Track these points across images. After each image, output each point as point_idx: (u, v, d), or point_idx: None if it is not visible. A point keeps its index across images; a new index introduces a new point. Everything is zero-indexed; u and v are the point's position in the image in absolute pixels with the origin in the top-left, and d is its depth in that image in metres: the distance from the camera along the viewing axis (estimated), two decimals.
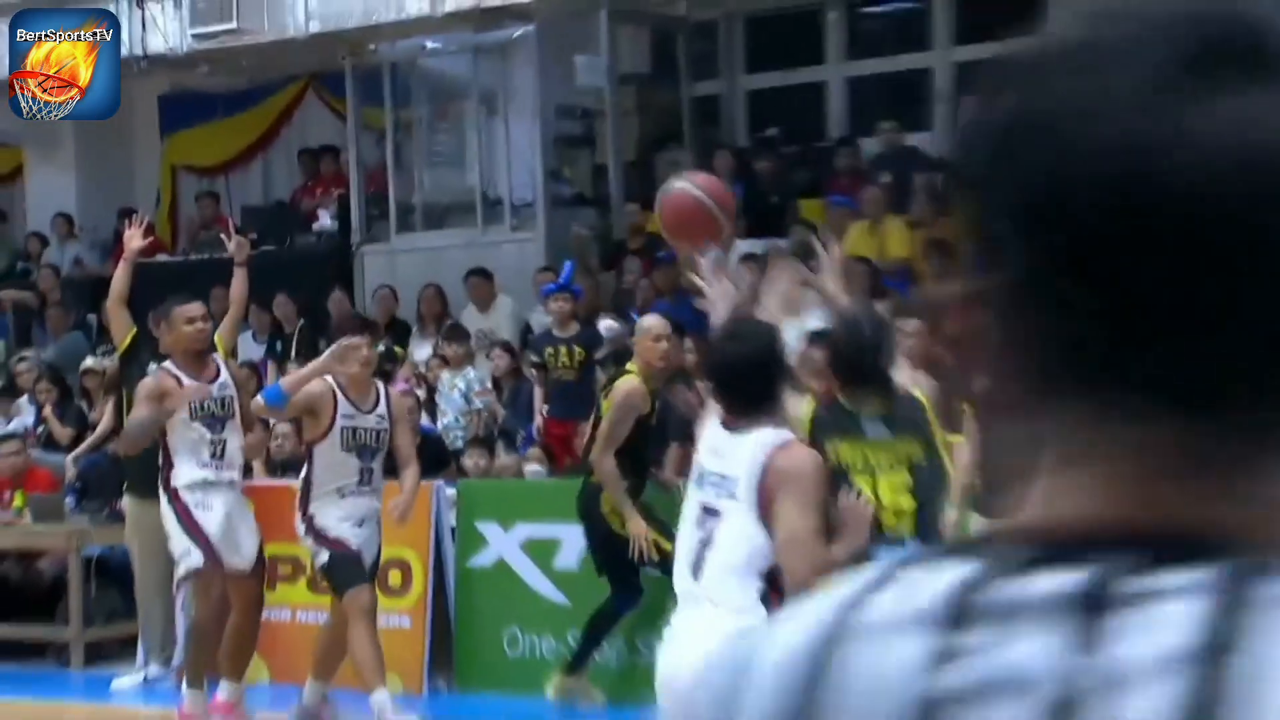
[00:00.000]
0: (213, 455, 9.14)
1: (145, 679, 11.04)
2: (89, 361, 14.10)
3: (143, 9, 15.16)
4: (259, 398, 9.25)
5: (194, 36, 15.16)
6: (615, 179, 15.34)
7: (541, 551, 10.49)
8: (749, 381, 5.42)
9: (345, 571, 8.87)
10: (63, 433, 13.59)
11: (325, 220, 16.27)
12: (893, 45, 15.97)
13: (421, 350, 13.65)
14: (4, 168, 19.00)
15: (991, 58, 1.05)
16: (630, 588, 9.42)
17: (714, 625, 5.22)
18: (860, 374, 6.16)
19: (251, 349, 14.08)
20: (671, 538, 8.72)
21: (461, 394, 12.62)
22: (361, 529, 8.97)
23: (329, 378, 8.96)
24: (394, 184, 15.93)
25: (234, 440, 9.34)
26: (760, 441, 5.30)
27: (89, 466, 12.97)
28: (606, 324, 12.91)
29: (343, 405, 8.88)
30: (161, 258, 15.81)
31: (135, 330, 10.60)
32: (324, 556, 8.94)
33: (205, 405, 9.10)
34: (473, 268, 14.21)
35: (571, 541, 10.24)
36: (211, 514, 9.05)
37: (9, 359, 15.81)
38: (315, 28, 14.83)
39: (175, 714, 9.38)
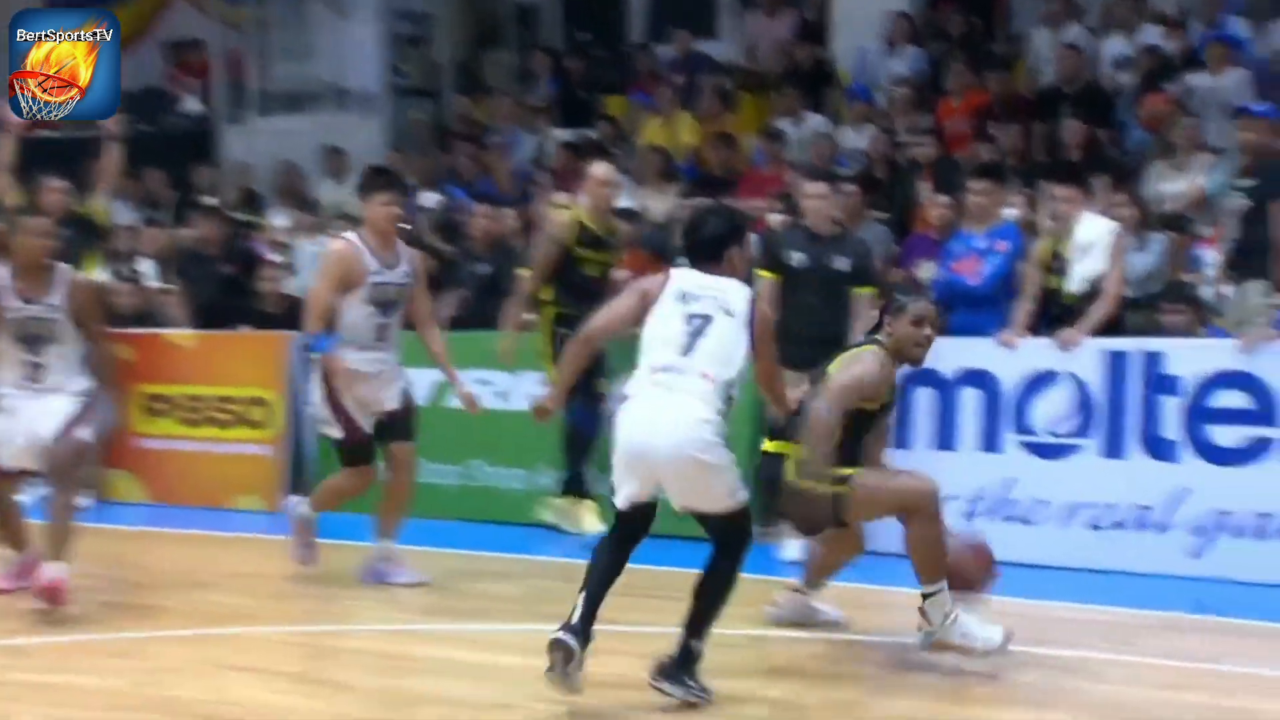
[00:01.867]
0: (30, 378, 7.47)
1: None
2: None
3: None
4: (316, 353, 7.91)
5: None
6: (446, 74, 15.29)
7: None
8: (718, 244, 6.01)
9: (353, 453, 7.95)
10: None
11: (192, 104, 15.99)
12: None
13: (279, 218, 13.50)
14: None
15: None
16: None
17: (692, 394, 5.73)
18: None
19: (124, 214, 13.82)
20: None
21: (314, 258, 12.53)
22: (369, 390, 7.88)
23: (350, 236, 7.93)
24: (253, 73, 15.73)
25: (56, 361, 7.46)
26: (743, 288, 5.95)
27: None
28: (428, 195, 12.90)
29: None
30: (44, 133, 15.39)
31: (24, 196, 10.39)
32: (338, 433, 7.92)
33: (25, 325, 7.43)
34: (330, 145, 14.09)
35: (418, 384, 10.28)
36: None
37: None
38: None
39: None
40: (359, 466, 7.99)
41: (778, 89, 12.97)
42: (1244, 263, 9.26)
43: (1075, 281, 8.70)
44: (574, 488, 9.42)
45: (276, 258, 12.41)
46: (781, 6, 14.13)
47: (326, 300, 7.75)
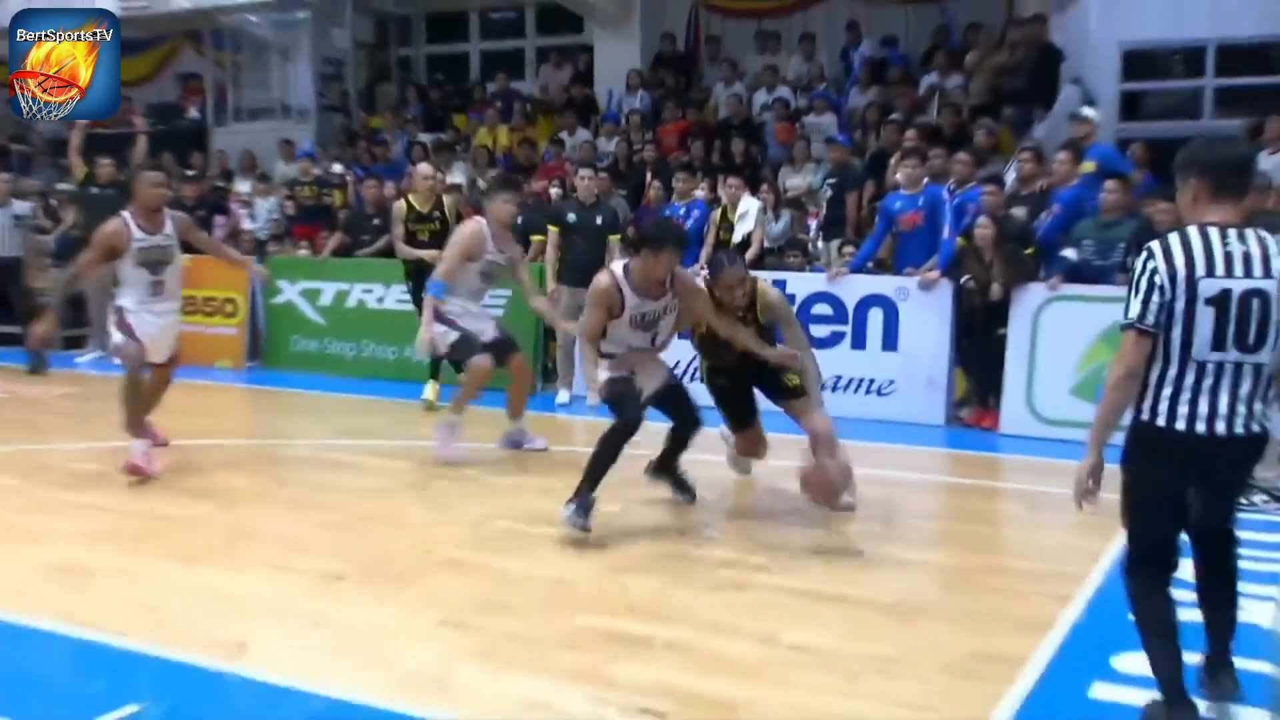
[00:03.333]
0: (152, 293, 5.99)
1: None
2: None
3: None
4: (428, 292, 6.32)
5: (121, 7, 13.48)
6: (353, 99, 14.61)
7: (311, 295, 10.11)
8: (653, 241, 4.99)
9: (465, 352, 6.32)
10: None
11: (194, 113, 14.97)
12: (503, 31, 15.33)
13: (244, 186, 12.71)
14: None
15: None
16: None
17: None
18: None
19: None
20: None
21: (268, 211, 11.84)
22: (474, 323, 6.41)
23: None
24: (231, 95, 14.78)
25: (171, 278, 6.06)
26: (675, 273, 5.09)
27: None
28: (336, 168, 12.27)
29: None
30: (99, 130, 14.23)
31: (86, 170, 9.58)
32: (453, 336, 6.36)
33: (150, 252, 5.92)
34: (283, 138, 13.28)
35: (328, 291, 9.91)
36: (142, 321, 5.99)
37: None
38: (187, 5, 13.53)
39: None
40: (475, 361, 6.31)
41: (560, 113, 12.67)
42: (831, 229, 9.40)
43: (737, 236, 8.69)
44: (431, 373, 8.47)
45: (242, 210, 11.75)
46: (564, 62, 13.79)
47: (453, 265, 6.32)
